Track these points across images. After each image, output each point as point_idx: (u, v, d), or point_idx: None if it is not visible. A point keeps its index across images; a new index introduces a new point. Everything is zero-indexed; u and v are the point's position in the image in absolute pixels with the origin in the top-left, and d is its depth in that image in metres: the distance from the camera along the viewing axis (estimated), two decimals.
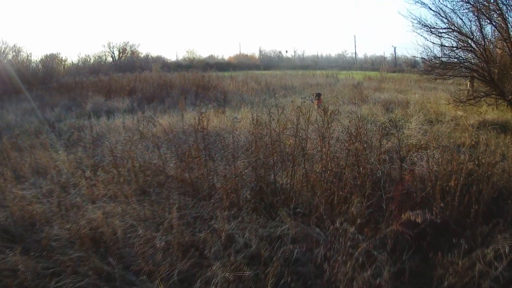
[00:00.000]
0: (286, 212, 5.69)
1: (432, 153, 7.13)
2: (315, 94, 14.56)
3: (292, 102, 12.45)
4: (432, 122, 12.18)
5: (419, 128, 10.49)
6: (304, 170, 6.49)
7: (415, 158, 7.45)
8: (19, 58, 29.32)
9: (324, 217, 5.53)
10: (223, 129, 10.87)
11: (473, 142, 8.68)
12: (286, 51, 59.45)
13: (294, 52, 62.69)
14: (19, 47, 30.19)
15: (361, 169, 6.23)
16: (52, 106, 17.84)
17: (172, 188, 6.74)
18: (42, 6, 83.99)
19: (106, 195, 6.86)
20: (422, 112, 12.95)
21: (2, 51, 28.15)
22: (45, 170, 8.45)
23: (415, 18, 15.21)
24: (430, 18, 39.15)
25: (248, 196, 6.28)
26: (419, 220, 4.96)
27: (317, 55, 63.82)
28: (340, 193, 5.80)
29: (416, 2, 15.19)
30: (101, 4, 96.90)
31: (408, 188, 6.03)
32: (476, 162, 6.36)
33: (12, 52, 29.32)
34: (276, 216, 5.80)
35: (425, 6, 15.07)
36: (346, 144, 6.63)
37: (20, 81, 23.34)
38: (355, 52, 62.94)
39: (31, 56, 31.03)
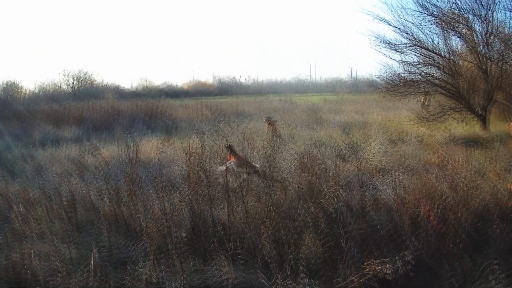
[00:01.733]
0: (224, 256, 5.01)
1: (397, 177, 6.46)
2: (265, 118, 14.09)
3: (237, 127, 11.82)
4: (395, 142, 11.69)
5: (381, 149, 9.92)
6: (245, 205, 5.78)
7: (379, 184, 6.91)
8: None
9: (270, 261, 4.88)
10: (165, 159, 10.18)
11: (440, 161, 8.08)
12: (240, 76, 59.46)
13: (248, 77, 62.77)
14: None
15: (313, 202, 5.64)
16: (1, 135, 17.12)
17: (104, 225, 6.20)
18: None
19: (37, 232, 6.25)
20: (384, 133, 12.60)
21: None
22: None
23: (373, 34, 14.78)
24: (390, 34, 38.86)
25: (184, 235, 5.61)
26: (388, 271, 4.22)
27: (272, 80, 64.01)
28: (290, 231, 5.23)
29: (375, 18, 14.80)
30: (58, 31, 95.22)
31: (372, 220, 5.52)
32: (451, 184, 5.84)
33: None
34: (212, 260, 5.10)
35: (385, 22, 14.67)
36: (297, 174, 6.15)
37: None
38: (310, 75, 63.41)
39: None
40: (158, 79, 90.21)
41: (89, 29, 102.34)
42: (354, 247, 4.83)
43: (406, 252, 4.43)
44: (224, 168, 6.90)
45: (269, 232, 5.22)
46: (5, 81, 32.77)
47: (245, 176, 6.97)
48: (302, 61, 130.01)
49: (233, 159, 7.59)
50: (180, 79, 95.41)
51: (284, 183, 6.72)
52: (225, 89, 54.19)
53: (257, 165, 7.46)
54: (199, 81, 60.04)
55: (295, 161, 7.43)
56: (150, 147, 11.67)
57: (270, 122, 13.28)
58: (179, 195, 6.65)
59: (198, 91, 51.51)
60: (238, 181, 6.62)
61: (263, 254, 5.01)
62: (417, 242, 4.88)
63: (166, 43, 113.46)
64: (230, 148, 8.12)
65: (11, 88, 31.23)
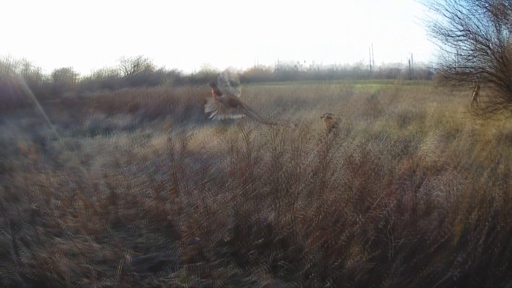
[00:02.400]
0: (265, 263, 4.81)
1: (449, 178, 6.18)
2: (322, 115, 13.79)
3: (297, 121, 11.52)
4: (450, 136, 11.23)
5: (435, 145, 9.51)
6: (293, 206, 5.52)
7: (431, 185, 6.42)
8: (27, 72, 29.07)
9: (312, 271, 4.64)
10: (219, 151, 9.99)
11: (491, 161, 7.58)
12: (304, 61, 59.13)
13: (312, 63, 62.26)
14: (28, 61, 29.95)
15: (362, 209, 5.36)
16: (52, 123, 17.41)
17: (143, 223, 6.10)
18: (54, 21, 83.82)
19: (71, 229, 6.18)
20: (439, 126, 12.24)
21: (9, 64, 27.80)
22: (21, 195, 7.78)
23: (429, 24, 14.33)
24: (445, 24, 37.99)
25: (224, 237, 5.45)
26: None
27: (334, 66, 63.31)
28: (337, 238, 4.95)
29: (431, 8, 14.37)
30: (117, 17, 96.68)
31: (422, 227, 5.19)
32: (503, 189, 5.33)
33: (21, 66, 29.10)
34: (252, 267, 4.88)
35: (440, 11, 14.22)
36: (349, 177, 5.86)
37: (29, 95, 22.99)
38: (371, 63, 62.64)
39: (40, 71, 30.70)
40: (222, 65, 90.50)
41: (155, 18, 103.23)
42: (401, 259, 4.52)
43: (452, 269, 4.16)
44: (214, 102, 6.73)
45: (316, 235, 4.97)
46: (59, 68, 33.30)
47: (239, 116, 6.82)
48: (366, 47, 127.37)
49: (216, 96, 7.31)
50: (244, 65, 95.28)
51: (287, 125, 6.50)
52: (285, 76, 53.81)
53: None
54: (262, 67, 59.88)
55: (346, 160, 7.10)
56: (202, 137, 11.53)
57: (329, 119, 12.98)
58: (224, 192, 6.46)
59: (259, 77, 51.30)
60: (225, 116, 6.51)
61: (307, 262, 4.75)
62: (465, 256, 4.49)
63: (230, 29, 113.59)
64: (328, 116, 7.91)
65: (63, 74, 31.66)
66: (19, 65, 29.23)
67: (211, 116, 6.91)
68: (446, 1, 14.63)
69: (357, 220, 5.07)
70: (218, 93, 7.81)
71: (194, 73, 51.45)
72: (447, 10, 14.04)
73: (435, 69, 15.71)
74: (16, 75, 27.71)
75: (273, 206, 5.69)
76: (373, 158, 6.49)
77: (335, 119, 12.86)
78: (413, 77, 46.53)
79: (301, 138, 6.71)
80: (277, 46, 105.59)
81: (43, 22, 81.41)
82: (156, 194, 6.72)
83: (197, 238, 4.96)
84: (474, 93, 16.22)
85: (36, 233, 5.99)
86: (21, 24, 73.53)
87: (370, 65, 61.91)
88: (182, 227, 5.49)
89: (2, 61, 27.14)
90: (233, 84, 7.98)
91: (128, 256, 4.97)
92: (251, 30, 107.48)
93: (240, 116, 7.10)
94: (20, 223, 6.48)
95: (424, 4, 14.42)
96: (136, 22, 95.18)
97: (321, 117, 13.34)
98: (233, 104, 7.12)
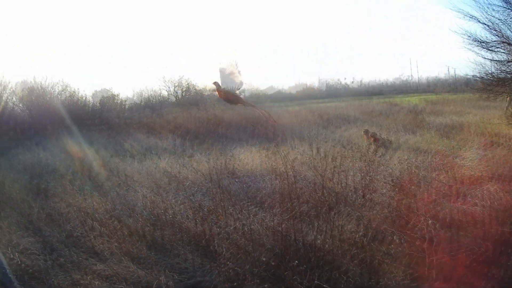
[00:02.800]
0: (302, 286, 4.72)
1: (486, 189, 6.20)
2: (367, 131, 13.84)
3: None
4: (490, 145, 11.13)
5: (475, 155, 9.46)
6: (335, 228, 5.50)
7: (470, 196, 6.47)
8: (66, 94, 29.53)
9: None
10: (261, 171, 9.99)
11: None
12: (345, 78, 59.64)
13: (353, 79, 62.78)
14: (66, 82, 30.43)
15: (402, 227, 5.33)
16: (91, 144, 17.63)
17: (181, 245, 6.10)
18: (92, 42, 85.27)
19: (107, 251, 6.22)
20: (479, 135, 12.38)
21: (46, 86, 28.30)
22: (58, 217, 7.90)
23: (465, 33, 14.36)
24: (480, 32, 37.95)
25: (264, 259, 5.39)
26: None
27: (375, 81, 63.89)
28: (375, 258, 4.88)
29: (465, 16, 14.39)
30: (159, 37, 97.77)
31: (460, 241, 5.09)
32: None
33: (59, 87, 29.54)
34: None
35: (474, 19, 14.23)
36: (389, 194, 5.83)
37: (66, 117, 23.27)
38: (411, 75, 63.23)
39: (79, 92, 31.16)
40: (264, 83, 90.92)
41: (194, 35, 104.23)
42: (439, 275, 4.41)
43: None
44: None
45: (354, 253, 4.91)
46: (98, 89, 33.78)
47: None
48: (404, 61, 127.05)
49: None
50: (286, 82, 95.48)
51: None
52: (328, 92, 54.19)
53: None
54: (305, 84, 60.51)
55: (389, 178, 7.03)
56: (244, 157, 11.54)
57: (370, 135, 13.03)
58: (264, 212, 6.45)
59: (303, 94, 51.65)
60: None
61: (343, 281, 4.67)
62: (502, 272, 4.37)
63: (272, 48, 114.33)
64: (366, 132, 8.17)
65: (104, 95, 32.10)
66: (57, 86, 29.70)
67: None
68: (480, 8, 14.66)
69: (394, 238, 5.09)
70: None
71: (245, 95, 51.85)
72: (481, 17, 14.09)
73: (473, 76, 15.76)
74: (54, 96, 28.15)
75: (312, 225, 5.66)
76: (413, 174, 6.43)
77: (376, 135, 12.92)
78: (453, 85, 46.56)
79: (342, 156, 6.68)
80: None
81: (81, 43, 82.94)
82: (195, 215, 6.71)
83: None
84: (508, 101, 16.15)
85: (71, 254, 6.06)
86: (59, 46, 75.08)
87: (411, 76, 62.55)
88: (219, 248, 5.48)
89: (39, 82, 27.61)
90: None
91: (163, 278, 4.96)
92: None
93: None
94: (55, 244, 6.56)
95: (458, 11, 14.37)
96: (176, 40, 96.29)
97: (363, 134, 13.46)
98: (231, 100, 7.37)
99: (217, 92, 7.74)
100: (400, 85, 59.62)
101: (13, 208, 8.40)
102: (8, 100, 25.02)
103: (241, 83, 7.22)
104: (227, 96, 7.41)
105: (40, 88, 26.56)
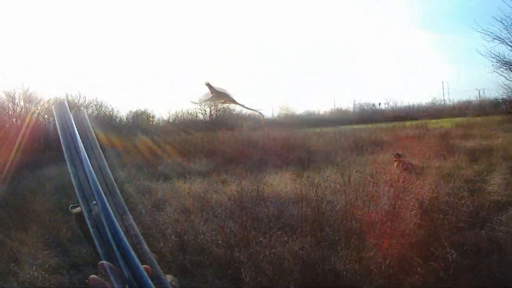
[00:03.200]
0: None
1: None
2: (396, 156, 13.78)
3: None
4: None
5: (501, 180, 9.49)
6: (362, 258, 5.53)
7: (496, 222, 6.56)
8: (100, 113, 29.86)
9: None
10: (292, 197, 9.93)
11: None
12: (380, 103, 60.10)
13: (387, 103, 63.07)
14: (100, 101, 30.80)
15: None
16: (124, 165, 17.73)
17: (209, 270, 6.07)
18: (128, 61, 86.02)
19: None
20: (506, 160, 12.29)
21: (80, 104, 28.66)
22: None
23: (494, 56, 14.39)
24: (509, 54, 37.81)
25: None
26: None
27: (409, 105, 64.21)
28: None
29: (494, 38, 14.42)
30: (191, 59, 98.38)
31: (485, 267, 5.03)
32: None
33: (92, 106, 29.90)
34: None
35: (504, 42, 14.24)
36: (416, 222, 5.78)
37: (101, 137, 23.42)
38: (444, 99, 63.22)
39: (113, 111, 31.52)
40: (300, 107, 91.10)
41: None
42: None
43: None
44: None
45: (380, 283, 4.87)
46: (134, 110, 34.09)
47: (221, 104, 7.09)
48: (437, 84, 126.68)
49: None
50: (322, 106, 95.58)
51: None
52: (362, 116, 54.35)
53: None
54: (340, 109, 61.01)
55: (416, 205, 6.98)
56: (277, 183, 11.49)
57: (399, 159, 12.99)
58: (294, 239, 6.41)
59: (337, 119, 51.82)
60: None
61: None
62: None
63: (309, 72, 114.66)
64: (397, 155, 8.32)
65: (139, 117, 32.39)
66: (90, 105, 30.06)
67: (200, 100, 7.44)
68: (508, 31, 14.70)
69: (419, 270, 5.10)
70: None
71: (273, 116, 52.07)
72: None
73: (502, 100, 15.82)
74: (88, 115, 28.44)
75: (339, 254, 5.67)
76: (440, 201, 6.39)
77: (406, 160, 12.88)
78: (482, 111, 46.62)
79: (372, 182, 6.66)
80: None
81: (116, 62, 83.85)
82: (225, 241, 6.69)
83: None
84: None
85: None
86: (93, 65, 76.02)
87: (444, 100, 62.81)
88: (246, 277, 5.45)
89: (72, 101, 27.99)
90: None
91: None
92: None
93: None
94: (82, 264, 6.58)
95: (488, 35, 14.46)
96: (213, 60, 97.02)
97: (392, 158, 13.41)
98: (222, 97, 7.57)
99: (209, 91, 7.93)
100: (431, 109, 59.78)
101: (41, 226, 8.47)
102: (39, 116, 25.40)
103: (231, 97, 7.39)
104: (219, 94, 7.54)
105: (72, 106, 26.90)
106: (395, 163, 12.76)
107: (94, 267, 4.21)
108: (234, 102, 7.27)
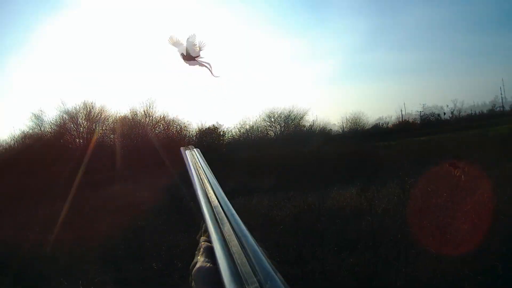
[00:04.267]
0: None
1: None
2: (450, 163, 13.54)
3: None
4: None
5: None
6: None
7: None
8: (169, 131, 30.15)
9: None
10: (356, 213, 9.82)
11: None
12: (444, 114, 59.95)
13: (452, 113, 62.61)
14: (172, 118, 31.07)
15: None
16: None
17: None
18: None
19: None
20: None
21: (146, 123, 29.02)
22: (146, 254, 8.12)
23: None
24: None
25: None
26: None
27: (472, 114, 63.55)
28: None
29: None
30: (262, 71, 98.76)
31: None
32: None
33: (162, 122, 30.22)
34: None
35: None
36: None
37: (160, 151, 23.63)
38: (503, 106, 62.39)
39: (185, 128, 31.76)
40: (371, 117, 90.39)
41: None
42: None
43: None
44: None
45: None
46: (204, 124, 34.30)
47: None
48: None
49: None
50: (391, 116, 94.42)
51: None
52: (429, 127, 53.99)
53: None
54: (406, 120, 60.79)
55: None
56: (343, 198, 11.41)
57: (456, 167, 12.75)
58: (352, 256, 6.35)
59: (404, 129, 51.60)
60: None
61: None
62: None
63: (378, 83, 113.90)
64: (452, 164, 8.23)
65: (209, 134, 32.61)
66: (158, 124, 30.32)
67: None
68: None
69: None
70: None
71: (344, 130, 51.90)
72: None
73: None
74: (157, 132, 28.67)
75: (392, 267, 5.59)
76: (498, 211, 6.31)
77: (463, 167, 12.68)
78: None
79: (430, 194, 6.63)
80: (420, 98, 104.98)
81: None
82: (282, 258, 6.67)
83: None
84: None
85: None
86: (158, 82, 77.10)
87: (503, 106, 61.80)
88: None
89: (141, 120, 28.37)
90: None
91: None
92: (397, 83, 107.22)
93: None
94: (132, 281, 6.68)
95: None
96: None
97: (450, 166, 13.19)
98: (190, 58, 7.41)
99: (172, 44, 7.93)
100: (492, 116, 59.14)
101: (100, 243, 8.63)
102: (104, 136, 25.91)
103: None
104: (178, 45, 7.53)
105: (141, 124, 27.25)
106: (454, 171, 12.58)
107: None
108: (184, 57, 7.16)
